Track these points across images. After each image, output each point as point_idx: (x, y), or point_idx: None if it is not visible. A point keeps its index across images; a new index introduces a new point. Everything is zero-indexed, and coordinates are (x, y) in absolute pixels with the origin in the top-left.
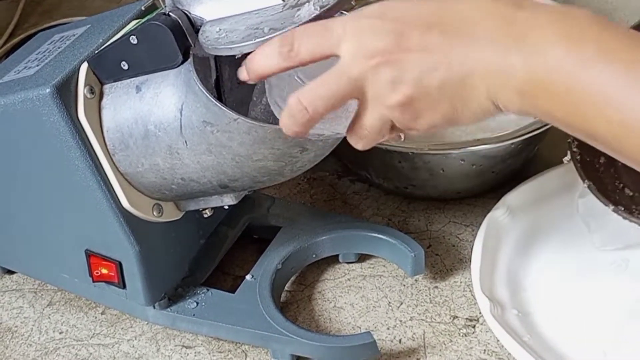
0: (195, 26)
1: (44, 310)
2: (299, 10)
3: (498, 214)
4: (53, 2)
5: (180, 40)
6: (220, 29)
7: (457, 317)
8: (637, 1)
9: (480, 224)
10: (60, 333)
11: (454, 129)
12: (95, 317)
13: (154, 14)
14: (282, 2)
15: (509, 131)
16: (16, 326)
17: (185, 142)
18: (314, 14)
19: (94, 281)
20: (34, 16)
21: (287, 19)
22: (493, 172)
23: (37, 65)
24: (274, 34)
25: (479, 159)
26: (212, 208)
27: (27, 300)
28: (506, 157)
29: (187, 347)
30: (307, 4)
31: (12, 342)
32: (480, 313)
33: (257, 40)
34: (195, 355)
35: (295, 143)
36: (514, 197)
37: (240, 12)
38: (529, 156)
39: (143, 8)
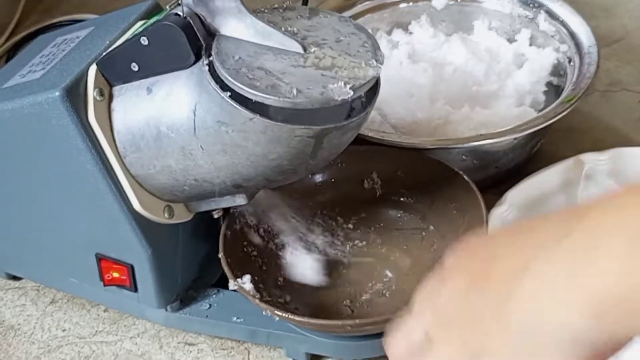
0: (205, 26)
1: (46, 308)
2: (325, 77)
3: (501, 211)
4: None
5: (192, 40)
6: (239, 57)
7: None
8: None
9: None
10: (63, 331)
11: (457, 125)
12: (98, 315)
13: (163, 14)
14: (301, 49)
15: (512, 126)
16: (19, 324)
17: (199, 142)
18: (347, 96)
19: (105, 285)
20: (35, 14)
21: (314, 82)
22: (496, 167)
23: (43, 69)
24: (301, 99)
25: (482, 154)
26: (222, 208)
27: (30, 298)
28: (509, 153)
29: (190, 344)
30: (336, 81)
31: (15, 340)
32: None
33: (282, 98)
34: (198, 353)
35: (311, 141)
36: (517, 193)
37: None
38: (532, 151)
39: (147, 9)
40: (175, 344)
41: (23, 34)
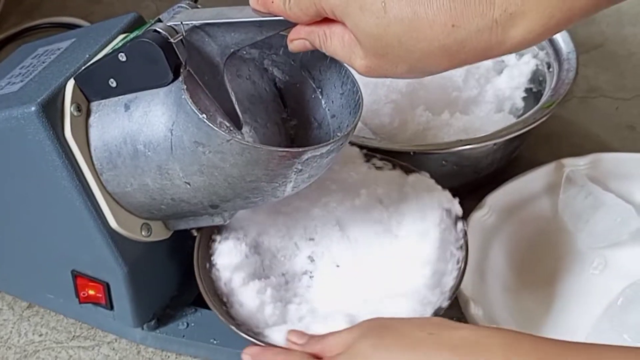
0: (185, 46)
1: (23, 312)
2: None
3: (480, 215)
4: (34, 1)
5: (170, 58)
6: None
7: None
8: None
9: None
10: (39, 336)
11: (437, 130)
12: (75, 320)
13: (143, 30)
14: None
15: (491, 132)
16: None
17: (176, 162)
18: None
19: (80, 302)
20: (15, 15)
21: None
22: (475, 172)
23: (22, 81)
24: None
25: (461, 159)
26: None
27: (7, 303)
28: (488, 158)
29: (168, 350)
30: None
31: None
32: (462, 314)
33: None
34: (176, 357)
35: (290, 164)
36: (496, 197)
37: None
38: (511, 157)
39: (130, 22)
40: (153, 349)
41: (2, 36)
